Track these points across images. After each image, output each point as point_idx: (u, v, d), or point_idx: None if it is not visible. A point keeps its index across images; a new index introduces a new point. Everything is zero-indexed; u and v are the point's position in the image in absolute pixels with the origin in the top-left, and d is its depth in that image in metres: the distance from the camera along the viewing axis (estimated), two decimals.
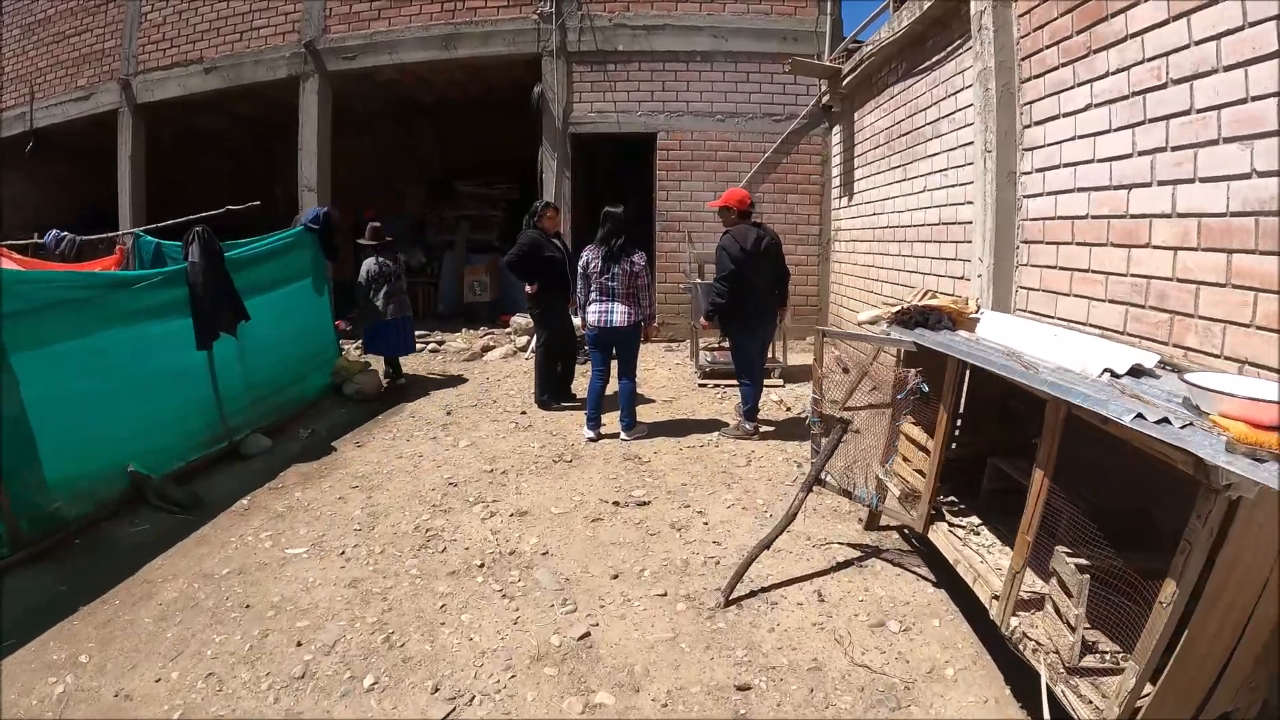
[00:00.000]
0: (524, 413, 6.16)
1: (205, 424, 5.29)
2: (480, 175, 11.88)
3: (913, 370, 3.13)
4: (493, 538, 3.91)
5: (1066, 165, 3.72)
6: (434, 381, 7.51)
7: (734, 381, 6.69)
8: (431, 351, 8.87)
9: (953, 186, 5.06)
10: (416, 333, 9.18)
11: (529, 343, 8.34)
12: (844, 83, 7.48)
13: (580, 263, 5.25)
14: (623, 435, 5.39)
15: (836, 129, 8.34)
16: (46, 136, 11.69)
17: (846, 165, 7.86)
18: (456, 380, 7.55)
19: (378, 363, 7.46)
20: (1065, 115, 3.72)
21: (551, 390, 6.21)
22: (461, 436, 5.65)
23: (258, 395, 5.86)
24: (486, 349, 8.62)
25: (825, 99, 8.25)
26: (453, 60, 9.06)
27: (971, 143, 4.74)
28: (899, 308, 3.40)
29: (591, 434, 5.39)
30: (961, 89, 4.93)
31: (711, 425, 5.74)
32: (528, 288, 5.97)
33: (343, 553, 3.84)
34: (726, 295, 4.85)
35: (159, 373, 4.83)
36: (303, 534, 4.10)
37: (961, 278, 4.94)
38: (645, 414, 5.90)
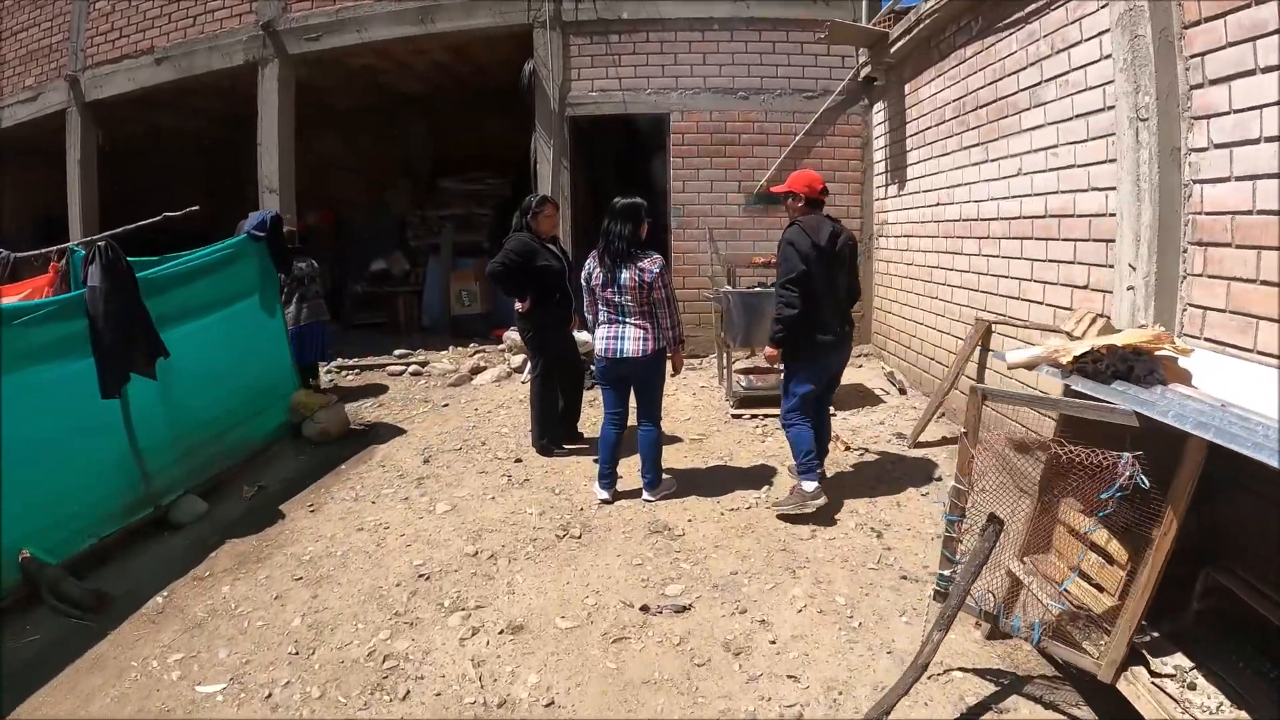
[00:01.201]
0: (519, 460, 5.12)
1: (122, 488, 4.33)
2: (472, 171, 10.93)
3: (1128, 455, 2.08)
4: (474, 674, 2.87)
5: (1271, 139, 2.67)
6: (413, 413, 6.47)
7: (775, 411, 5.67)
8: (413, 375, 7.84)
9: (1067, 168, 4.02)
10: (398, 351, 8.44)
11: (525, 363, 7.30)
12: (893, 49, 6.43)
13: (583, 274, 4.22)
14: (645, 495, 4.36)
15: (880, 105, 7.29)
16: (4, 141, 10.78)
17: (895, 147, 6.82)
18: (439, 410, 6.51)
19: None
20: (1267, 70, 2.68)
21: (552, 431, 5.17)
22: (440, 496, 4.62)
23: (190, 446, 4.87)
24: (476, 370, 7.58)
25: (866, 70, 7.19)
26: (431, 36, 8.01)
27: (1097, 110, 3.71)
28: (1080, 348, 2.35)
29: (605, 494, 4.36)
30: (1078, 42, 3.89)
31: (757, 475, 4.72)
32: (518, 305, 4.93)
33: (269, 695, 2.84)
34: (796, 303, 3.77)
35: (60, 428, 3.93)
36: (222, 658, 3.11)
37: (1084, 287, 3.90)
38: (670, 457, 4.86)
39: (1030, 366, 2.54)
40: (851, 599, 3.28)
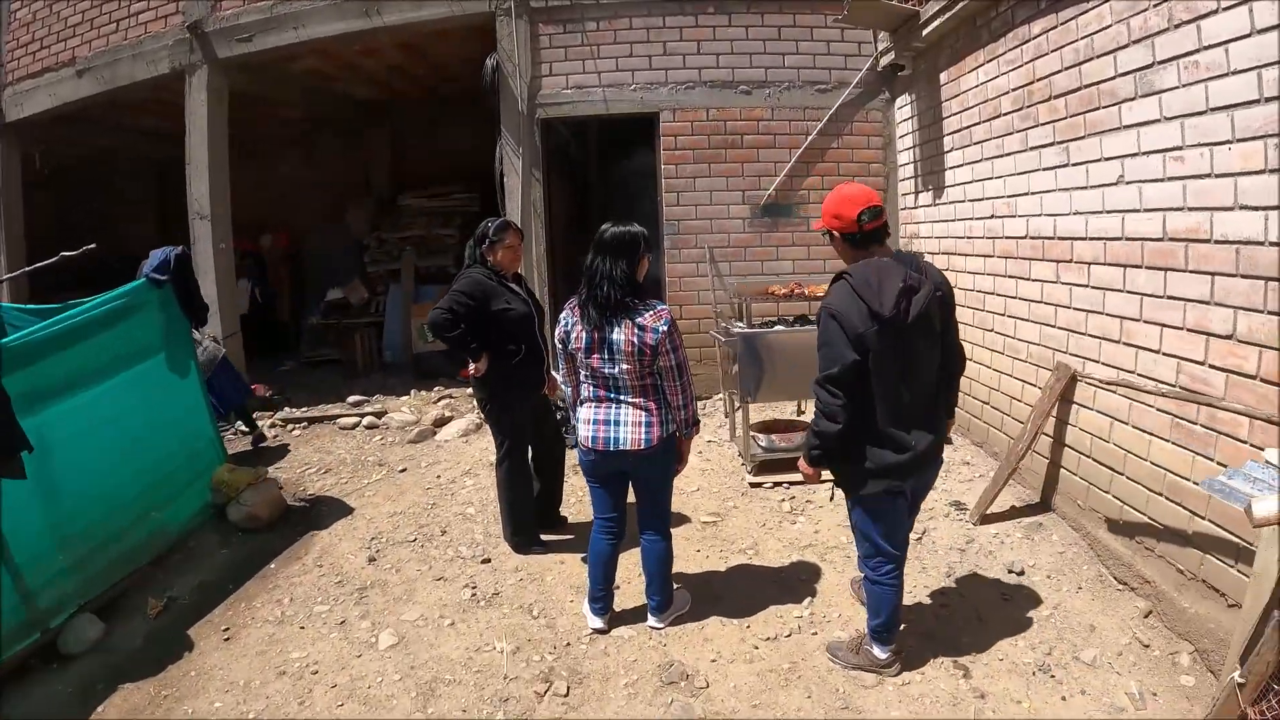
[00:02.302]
0: (486, 560, 4.15)
1: None
2: (437, 185, 10.04)
3: None
4: None
5: None
6: (364, 483, 5.50)
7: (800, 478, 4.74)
8: (369, 428, 6.84)
9: (1199, 178, 3.11)
10: (352, 397, 7.53)
11: None
12: (925, 31, 5.51)
13: (557, 332, 3.23)
14: (652, 620, 3.40)
15: (906, 98, 6.38)
16: None
17: (928, 147, 5.91)
18: (395, 478, 5.55)
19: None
20: None
21: (527, 525, 4.19)
22: (385, 618, 3.67)
23: (85, 551, 3.95)
24: (441, 422, 6.60)
25: (888, 58, 6.27)
26: (379, 32, 7.05)
27: (1248, 103, 2.80)
28: None
29: (598, 621, 3.39)
30: (1212, 11, 2.97)
31: (793, 578, 3.79)
32: (470, 365, 3.90)
33: None
34: (841, 414, 2.58)
35: None
36: None
37: (1227, 337, 2.99)
38: (679, 549, 3.90)
39: None
40: None
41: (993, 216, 4.88)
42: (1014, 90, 4.51)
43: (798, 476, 4.86)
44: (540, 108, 6.77)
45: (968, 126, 5.17)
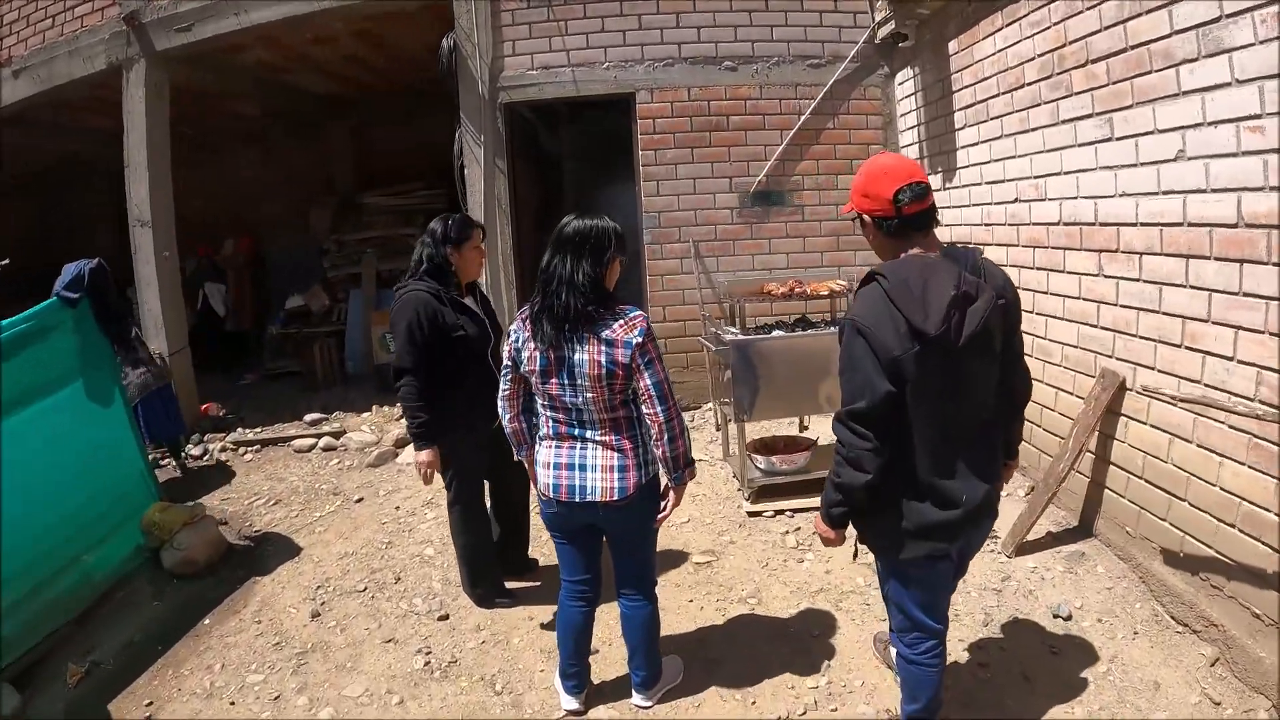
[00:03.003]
0: (445, 617, 3.61)
1: None
2: (400, 183, 9.57)
3: None
4: None
5: None
6: (316, 515, 5.00)
7: (805, 504, 4.25)
8: (325, 450, 6.31)
9: None
10: (310, 416, 7.14)
11: None
12: None
13: (506, 347, 2.63)
14: (637, 699, 2.87)
15: (908, 73, 5.88)
16: None
17: (936, 125, 5.43)
18: (350, 510, 5.05)
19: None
20: None
21: (489, 575, 3.65)
22: (325, 693, 3.16)
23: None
24: (403, 441, 6.05)
25: (887, 28, 5.75)
26: (327, 14, 6.47)
27: None
28: None
29: (573, 702, 2.85)
30: None
31: (804, 638, 3.29)
32: (415, 451, 3.33)
33: None
34: (870, 460, 2.03)
35: None
36: None
37: None
38: (667, 598, 3.39)
39: None
40: None
41: (1017, 200, 4.39)
42: (1041, 56, 4.00)
43: (802, 503, 4.43)
44: (503, 91, 6.22)
45: (984, 100, 4.66)
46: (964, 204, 5.06)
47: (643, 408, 2.50)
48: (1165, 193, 3.20)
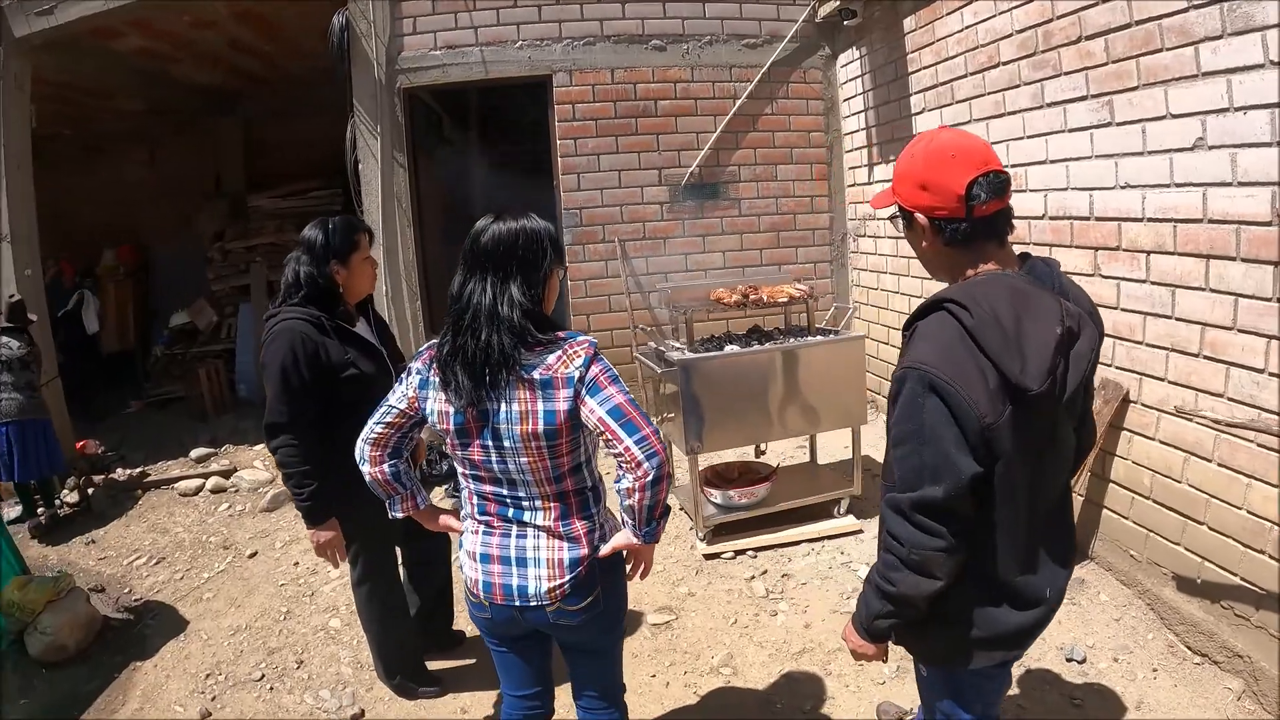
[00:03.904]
0: (358, 716, 3.03)
1: None
2: (292, 182, 8.93)
3: None
4: None
5: None
6: (204, 576, 4.34)
7: (769, 540, 3.86)
8: (214, 492, 5.61)
9: None
10: (197, 451, 6.44)
11: None
12: None
13: (397, 396, 1.96)
14: None
15: (853, 53, 5.58)
16: None
17: (889, 109, 5.15)
18: (243, 568, 4.39)
19: None
20: None
21: (408, 661, 3.06)
22: None
23: None
24: None
25: (830, 6, 5.39)
26: None
27: None
28: None
29: None
30: None
31: (792, 707, 2.87)
32: (309, 530, 2.69)
33: None
34: (943, 564, 1.50)
35: None
36: None
37: None
38: (624, 670, 2.85)
39: None
40: None
41: None
42: (1021, 32, 3.70)
43: (765, 539, 4.01)
44: (402, 74, 5.60)
45: (948, 81, 4.37)
46: None
47: (610, 450, 1.79)
48: (1180, 185, 2.92)
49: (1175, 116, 2.90)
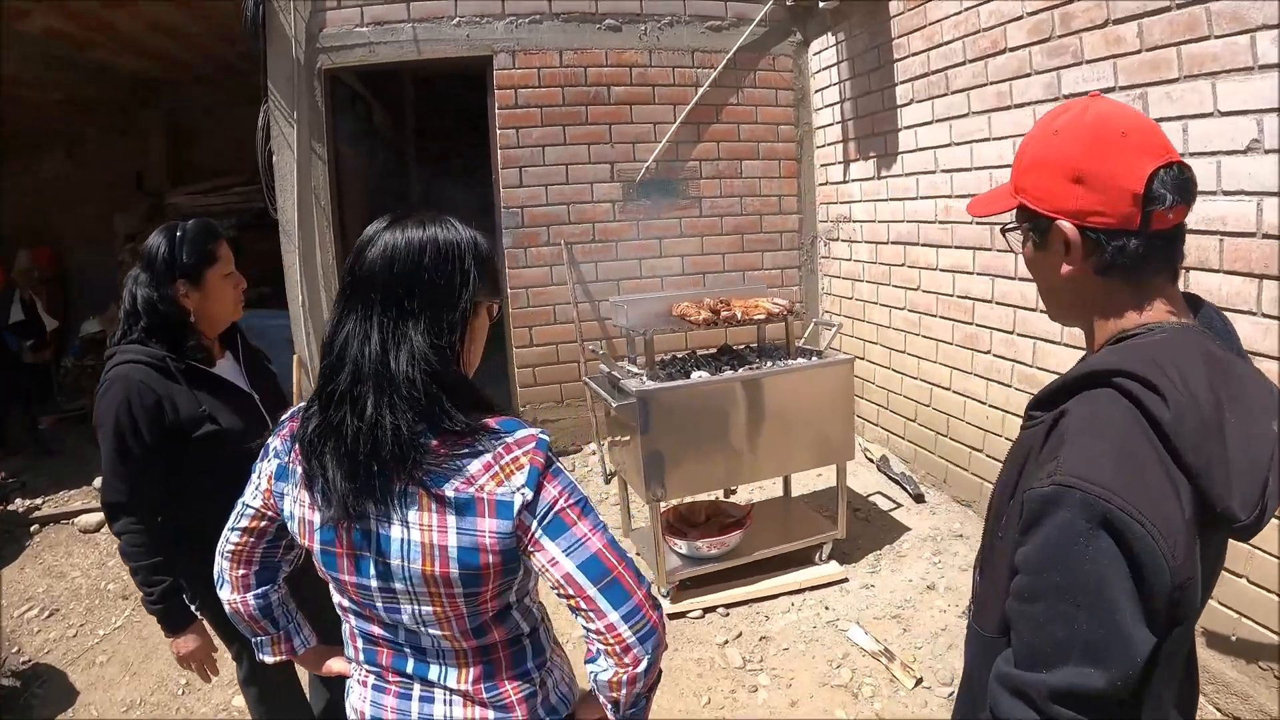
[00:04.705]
0: None
1: None
2: (214, 177, 8.60)
3: None
4: None
5: None
6: (99, 634, 3.87)
7: (742, 595, 3.45)
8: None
9: None
10: (98, 481, 5.72)
11: None
12: None
13: (253, 491, 1.38)
14: None
15: (828, 39, 5.23)
16: None
17: (869, 101, 4.85)
18: (139, 623, 3.91)
19: None
20: None
21: None
22: None
23: None
24: None
25: None
26: None
27: None
28: None
29: None
30: None
31: None
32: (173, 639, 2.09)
33: None
34: None
35: None
36: None
37: None
38: None
39: None
40: None
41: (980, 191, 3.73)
42: (1034, 15, 3.36)
43: (736, 594, 3.54)
44: (324, 54, 5.04)
45: (942, 69, 4.02)
46: (910, 195, 4.47)
47: (581, 621, 1.19)
48: (1228, 194, 2.60)
49: (1225, 114, 2.58)
